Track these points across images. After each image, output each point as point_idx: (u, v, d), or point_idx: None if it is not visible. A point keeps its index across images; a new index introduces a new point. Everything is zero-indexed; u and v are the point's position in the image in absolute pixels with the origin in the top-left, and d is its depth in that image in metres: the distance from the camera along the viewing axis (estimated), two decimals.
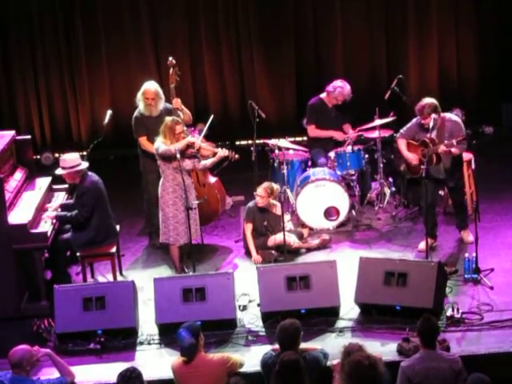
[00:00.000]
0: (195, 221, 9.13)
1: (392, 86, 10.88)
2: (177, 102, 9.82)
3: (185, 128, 9.28)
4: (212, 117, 10.15)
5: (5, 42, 13.07)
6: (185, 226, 8.98)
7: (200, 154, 9.17)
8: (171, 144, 8.93)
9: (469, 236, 9.46)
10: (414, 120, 9.36)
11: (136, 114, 9.89)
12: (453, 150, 9.04)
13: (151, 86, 9.81)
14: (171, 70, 9.95)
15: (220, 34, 13.19)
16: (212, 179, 10.29)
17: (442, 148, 9.00)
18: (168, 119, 9.10)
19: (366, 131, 10.83)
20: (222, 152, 9.25)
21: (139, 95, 9.81)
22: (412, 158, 9.32)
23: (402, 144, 9.44)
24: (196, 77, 13.37)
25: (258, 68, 13.29)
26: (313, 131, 10.93)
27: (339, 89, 10.74)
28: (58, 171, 8.96)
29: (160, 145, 8.97)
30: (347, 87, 10.77)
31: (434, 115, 9.02)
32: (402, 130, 9.50)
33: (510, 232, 9.79)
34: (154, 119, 9.65)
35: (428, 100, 9.14)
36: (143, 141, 9.81)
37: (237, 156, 9.39)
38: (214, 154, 9.29)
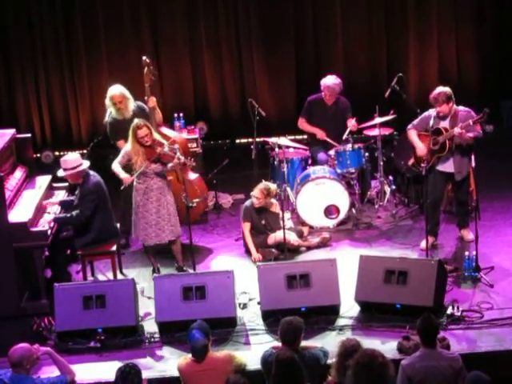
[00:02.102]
0: (169, 221, 9.10)
1: (392, 85, 10.87)
2: (152, 101, 9.79)
3: (153, 131, 9.14)
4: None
5: (5, 40, 13.05)
6: (156, 228, 9.07)
7: (163, 159, 9.05)
8: (133, 148, 8.98)
9: (469, 234, 9.46)
10: (427, 112, 9.33)
11: (109, 119, 9.88)
12: (468, 134, 8.96)
13: (116, 89, 9.77)
14: (145, 70, 9.88)
15: (220, 33, 13.17)
16: (192, 176, 10.26)
17: (457, 130, 8.93)
18: (132, 124, 9.08)
19: (367, 129, 10.84)
20: (177, 159, 9.03)
21: (107, 101, 9.80)
22: (422, 148, 9.24)
23: (413, 134, 9.37)
24: (196, 75, 13.36)
25: (258, 66, 13.28)
26: (301, 124, 10.98)
27: (324, 80, 10.77)
28: (60, 173, 8.94)
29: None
30: (330, 79, 10.74)
31: (440, 108, 9.02)
32: (413, 122, 9.45)
33: (510, 230, 9.79)
34: (129, 121, 9.65)
35: (443, 88, 9.16)
36: (122, 144, 9.75)
37: (193, 163, 9.39)
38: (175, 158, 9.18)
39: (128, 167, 9.25)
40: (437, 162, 9.18)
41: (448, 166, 9.24)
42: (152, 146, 9.01)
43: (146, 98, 9.83)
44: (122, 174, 9.06)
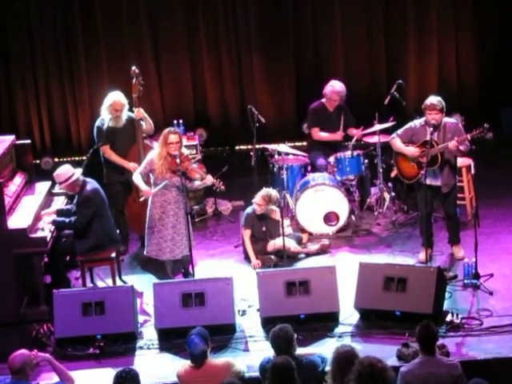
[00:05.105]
0: (184, 236, 8.97)
1: (392, 91, 10.86)
2: (139, 112, 9.70)
3: (183, 141, 9.12)
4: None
5: (4, 46, 13.06)
6: (171, 243, 8.99)
7: (189, 174, 9.04)
8: (160, 152, 8.88)
9: (460, 252, 9.34)
10: (412, 123, 9.26)
11: (98, 123, 9.82)
12: (461, 147, 8.87)
13: (119, 97, 9.72)
14: (134, 80, 9.78)
15: (220, 39, 13.18)
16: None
17: (453, 143, 8.80)
18: (165, 130, 9.00)
19: (366, 136, 10.85)
20: (208, 180, 9.09)
21: (107, 107, 9.70)
22: (414, 150, 9.09)
23: (398, 142, 9.21)
24: (196, 82, 13.36)
25: (258, 73, 13.28)
26: (317, 134, 10.81)
27: (330, 87, 10.75)
28: (57, 188, 9.00)
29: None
30: (337, 84, 10.76)
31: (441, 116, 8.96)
32: (397, 131, 9.33)
33: (509, 237, 9.79)
34: (119, 129, 9.66)
35: (436, 97, 9.03)
36: (106, 149, 9.78)
37: (222, 187, 9.15)
38: (202, 178, 9.18)
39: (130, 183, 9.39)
40: (424, 175, 8.90)
41: (436, 180, 9.10)
42: (177, 157, 8.83)
43: (134, 108, 9.75)
44: (143, 186, 8.95)
